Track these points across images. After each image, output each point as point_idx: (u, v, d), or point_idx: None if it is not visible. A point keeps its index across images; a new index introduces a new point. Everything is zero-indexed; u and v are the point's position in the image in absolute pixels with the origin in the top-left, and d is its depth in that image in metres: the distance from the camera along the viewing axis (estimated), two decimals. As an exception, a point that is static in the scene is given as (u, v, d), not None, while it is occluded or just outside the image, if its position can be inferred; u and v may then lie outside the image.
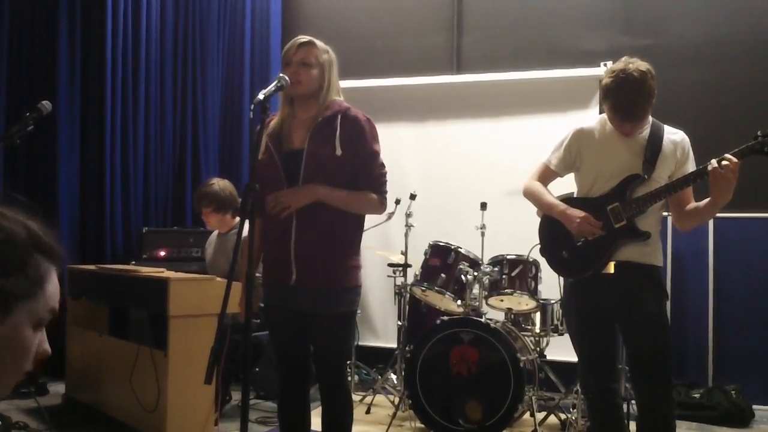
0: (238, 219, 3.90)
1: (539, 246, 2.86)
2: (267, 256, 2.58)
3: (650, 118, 2.64)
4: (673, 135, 2.63)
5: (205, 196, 4.09)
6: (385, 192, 2.55)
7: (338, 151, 2.43)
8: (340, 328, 2.53)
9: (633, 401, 2.84)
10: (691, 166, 2.59)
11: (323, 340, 2.51)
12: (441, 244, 4.07)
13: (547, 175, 2.80)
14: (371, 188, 2.51)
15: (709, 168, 2.40)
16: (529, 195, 2.81)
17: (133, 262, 4.73)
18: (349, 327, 2.60)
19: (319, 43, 2.52)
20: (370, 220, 2.71)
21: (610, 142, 2.63)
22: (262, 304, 2.61)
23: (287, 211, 2.42)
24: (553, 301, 4.03)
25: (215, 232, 4.31)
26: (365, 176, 2.50)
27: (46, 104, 3.00)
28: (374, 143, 2.51)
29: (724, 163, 2.38)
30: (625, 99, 2.49)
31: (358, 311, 2.64)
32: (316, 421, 2.65)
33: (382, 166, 2.55)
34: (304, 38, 2.50)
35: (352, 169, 2.48)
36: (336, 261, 2.47)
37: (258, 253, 2.62)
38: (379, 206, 2.54)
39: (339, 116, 2.47)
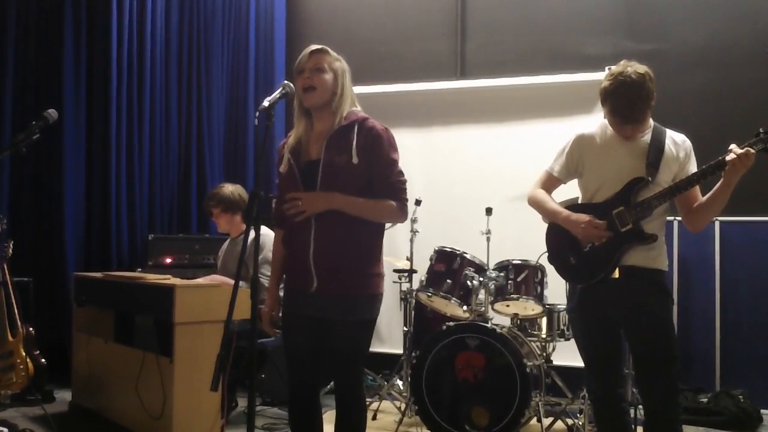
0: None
1: (547, 254, 2.85)
2: (289, 264, 2.58)
3: (652, 122, 2.64)
4: (676, 138, 2.63)
5: (212, 197, 4.19)
6: (406, 199, 2.53)
7: (354, 159, 2.43)
8: (358, 335, 2.51)
9: (640, 406, 2.82)
10: (693, 168, 2.58)
11: (341, 346, 2.50)
12: (446, 249, 4.07)
13: (550, 183, 2.80)
14: (389, 195, 2.49)
15: (728, 158, 2.39)
16: (534, 203, 2.81)
17: (139, 270, 4.74)
18: (368, 334, 2.57)
19: (331, 51, 2.54)
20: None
21: (612, 147, 2.63)
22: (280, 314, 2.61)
23: (303, 216, 2.42)
24: (559, 306, 4.02)
25: (229, 239, 4.33)
26: (383, 184, 2.49)
27: (52, 112, 3.02)
28: (392, 152, 2.51)
29: (740, 152, 2.38)
30: (623, 101, 2.50)
31: None
32: (327, 427, 2.63)
33: (401, 173, 2.54)
34: (316, 46, 2.52)
35: (368, 178, 2.47)
36: (356, 267, 2.46)
37: (279, 263, 2.63)
38: (399, 213, 2.52)
39: (356, 125, 2.48)
